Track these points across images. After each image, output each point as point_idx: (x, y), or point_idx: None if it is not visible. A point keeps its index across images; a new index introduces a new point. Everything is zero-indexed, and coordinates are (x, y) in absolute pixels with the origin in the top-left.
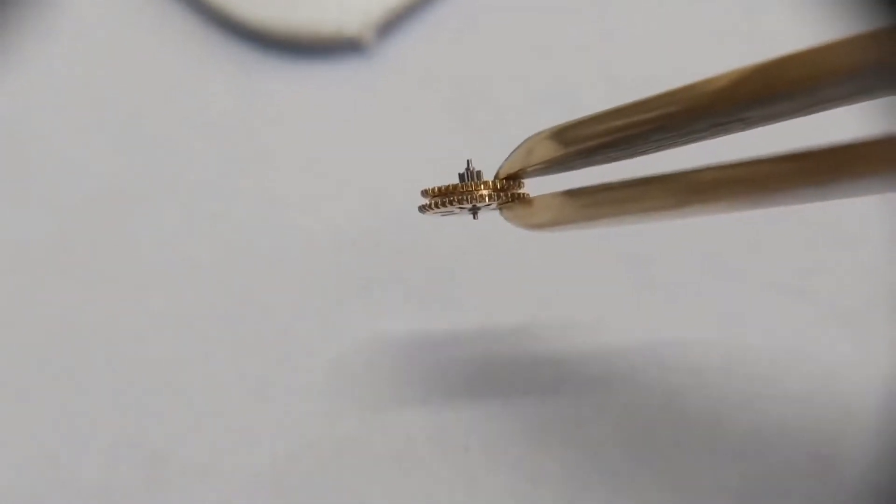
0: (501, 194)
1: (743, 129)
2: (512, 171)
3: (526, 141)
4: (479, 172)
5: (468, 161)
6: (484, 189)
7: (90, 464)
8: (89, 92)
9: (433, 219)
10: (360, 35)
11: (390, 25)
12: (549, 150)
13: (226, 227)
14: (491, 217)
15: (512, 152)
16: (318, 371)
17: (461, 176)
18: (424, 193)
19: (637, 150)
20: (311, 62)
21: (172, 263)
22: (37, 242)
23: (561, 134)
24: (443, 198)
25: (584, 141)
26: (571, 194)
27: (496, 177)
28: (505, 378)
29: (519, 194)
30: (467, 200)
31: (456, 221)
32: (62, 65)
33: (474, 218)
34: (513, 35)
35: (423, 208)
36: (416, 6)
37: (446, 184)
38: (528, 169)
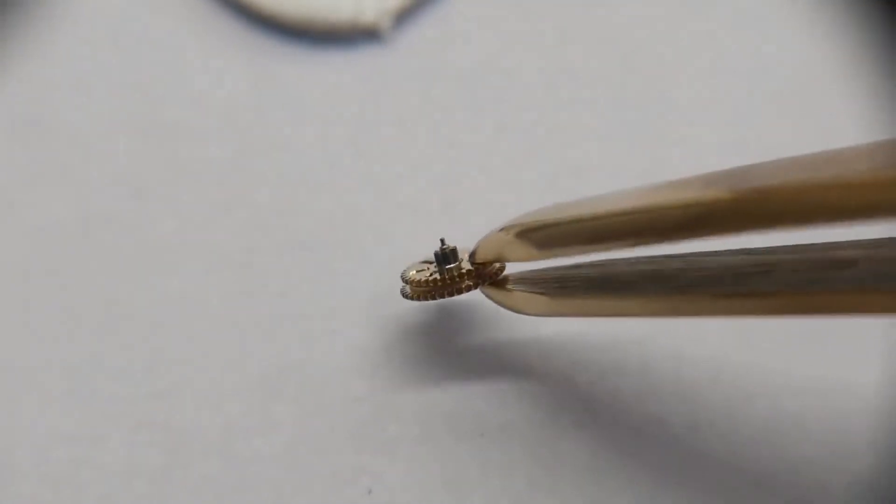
0: (480, 281)
1: None
2: (485, 259)
3: (495, 234)
4: (453, 251)
5: (441, 240)
6: (464, 280)
7: (112, 445)
8: (107, 78)
9: (446, 209)
10: (377, 23)
11: (407, 13)
12: (521, 254)
13: (243, 211)
14: (505, 204)
15: (482, 241)
16: (336, 354)
17: (436, 255)
18: (405, 282)
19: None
20: (327, 50)
21: (190, 246)
22: (57, 226)
23: (531, 234)
24: (425, 293)
25: (559, 245)
26: (554, 297)
27: (471, 257)
28: (520, 363)
29: (497, 275)
30: (449, 294)
31: (470, 207)
32: (81, 52)
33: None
34: (532, 23)
35: (404, 296)
36: None
37: (425, 278)
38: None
